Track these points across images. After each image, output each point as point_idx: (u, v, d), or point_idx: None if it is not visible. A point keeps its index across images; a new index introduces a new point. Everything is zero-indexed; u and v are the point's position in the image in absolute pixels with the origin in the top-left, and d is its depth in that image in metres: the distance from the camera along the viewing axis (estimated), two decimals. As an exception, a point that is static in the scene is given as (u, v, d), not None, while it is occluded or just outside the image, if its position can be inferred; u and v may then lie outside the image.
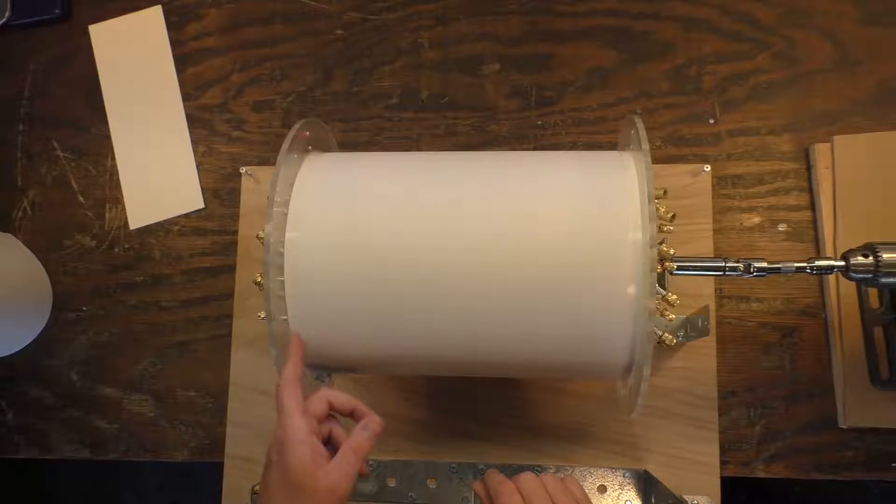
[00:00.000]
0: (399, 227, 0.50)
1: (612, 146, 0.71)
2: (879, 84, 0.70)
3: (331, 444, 0.50)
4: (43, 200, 0.79)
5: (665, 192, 0.55)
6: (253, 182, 0.74)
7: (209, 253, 0.76)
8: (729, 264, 0.51)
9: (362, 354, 0.53)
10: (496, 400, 0.68)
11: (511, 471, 0.66)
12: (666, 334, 0.54)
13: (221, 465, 0.71)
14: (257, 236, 0.52)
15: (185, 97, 0.79)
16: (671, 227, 0.52)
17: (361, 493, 0.67)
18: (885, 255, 0.49)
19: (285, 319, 0.51)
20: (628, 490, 0.65)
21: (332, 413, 0.51)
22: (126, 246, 0.77)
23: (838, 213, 0.67)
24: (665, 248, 0.51)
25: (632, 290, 0.47)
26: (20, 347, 0.76)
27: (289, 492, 0.46)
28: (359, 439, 0.49)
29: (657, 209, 0.49)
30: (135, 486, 1.34)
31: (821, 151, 0.69)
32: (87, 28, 0.82)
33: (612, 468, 0.65)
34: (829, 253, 0.67)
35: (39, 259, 0.77)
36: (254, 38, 0.79)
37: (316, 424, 0.48)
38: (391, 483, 0.67)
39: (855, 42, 0.71)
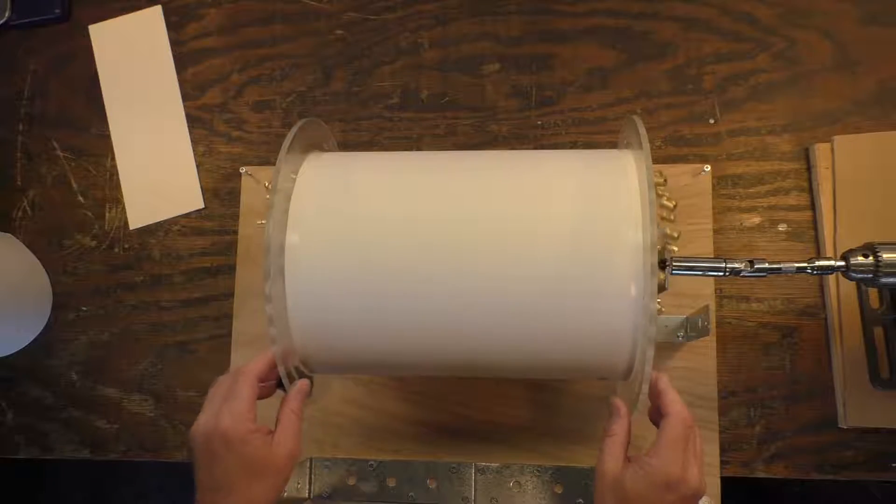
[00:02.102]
0: (399, 228, 0.50)
1: (612, 146, 0.71)
2: (879, 84, 0.70)
3: None
4: (43, 200, 0.79)
5: (665, 181, 0.55)
6: (253, 182, 0.74)
7: (209, 253, 0.76)
8: (729, 264, 0.51)
9: (363, 354, 0.53)
10: (496, 400, 0.68)
11: (511, 471, 0.66)
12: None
13: (221, 465, 0.70)
14: (259, 223, 0.52)
15: (185, 97, 0.79)
16: (673, 218, 0.52)
17: (361, 493, 0.67)
18: (885, 255, 0.49)
19: (285, 320, 0.51)
20: (628, 490, 0.65)
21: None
22: (126, 246, 0.77)
23: (838, 213, 0.67)
24: (668, 237, 0.51)
25: (633, 290, 0.47)
26: (20, 347, 0.76)
27: (250, 476, 0.49)
28: (294, 404, 0.52)
29: (658, 198, 0.49)
30: (135, 486, 1.34)
31: (821, 151, 0.69)
32: (87, 28, 0.82)
33: (612, 468, 0.65)
34: (829, 253, 0.67)
35: (39, 259, 0.77)
36: (254, 38, 0.79)
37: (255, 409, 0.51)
38: (391, 483, 0.67)
39: (855, 42, 0.71)
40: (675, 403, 0.50)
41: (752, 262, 0.50)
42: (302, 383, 0.53)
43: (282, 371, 0.51)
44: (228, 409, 0.49)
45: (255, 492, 0.49)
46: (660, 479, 0.47)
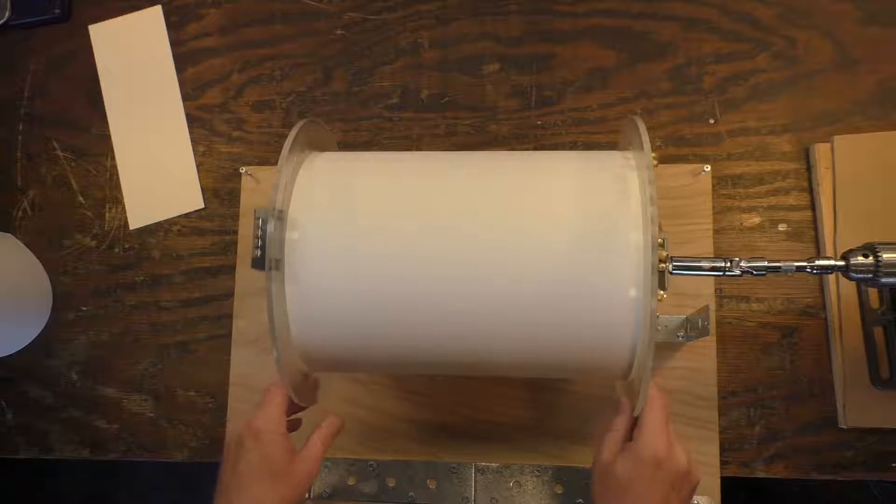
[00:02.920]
0: (399, 227, 0.50)
1: (612, 146, 0.71)
2: (879, 84, 0.70)
3: None
4: (43, 200, 0.79)
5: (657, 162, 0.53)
6: (253, 182, 0.74)
7: (209, 253, 0.76)
8: (729, 264, 0.50)
9: (363, 353, 0.53)
10: (496, 400, 0.68)
11: (511, 471, 0.66)
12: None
13: (221, 465, 0.70)
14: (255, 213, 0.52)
15: (185, 97, 0.79)
16: (656, 161, 0.50)
17: (361, 493, 0.67)
18: (885, 255, 0.49)
19: (286, 319, 0.51)
20: (628, 490, 0.64)
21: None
22: (126, 246, 0.77)
23: (838, 213, 0.67)
24: (663, 254, 0.50)
25: (632, 292, 0.47)
26: (20, 347, 0.76)
27: (269, 478, 0.50)
28: (325, 433, 0.55)
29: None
30: (135, 486, 1.34)
31: (821, 151, 0.69)
32: (87, 28, 0.82)
33: (612, 468, 0.65)
34: (829, 253, 0.67)
35: (39, 259, 0.77)
36: (254, 38, 0.79)
37: (285, 421, 0.54)
38: (391, 483, 0.67)
39: (855, 42, 0.71)
40: (649, 389, 0.51)
41: (751, 262, 0.50)
42: (337, 419, 0.56)
43: (276, 355, 0.50)
44: (262, 412, 0.52)
45: (268, 495, 0.50)
46: (648, 457, 0.48)
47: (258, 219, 0.50)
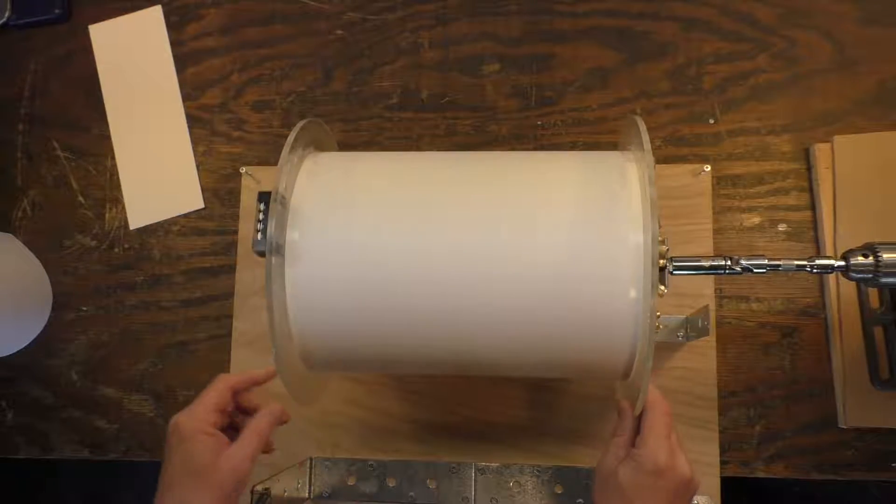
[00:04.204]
0: (399, 227, 0.50)
1: (613, 146, 0.71)
2: (879, 84, 0.71)
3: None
4: (43, 200, 0.79)
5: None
6: (253, 182, 0.74)
7: (209, 253, 0.76)
8: (729, 264, 0.50)
9: (363, 354, 0.53)
10: (496, 400, 0.68)
11: (511, 471, 0.66)
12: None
13: (221, 465, 0.70)
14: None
15: (185, 97, 0.79)
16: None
17: (361, 493, 0.67)
18: (885, 255, 0.49)
19: (285, 317, 0.51)
20: (628, 490, 0.64)
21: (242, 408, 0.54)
22: (126, 246, 0.77)
23: (838, 213, 0.67)
24: (664, 251, 0.51)
25: (633, 291, 0.47)
26: (20, 347, 0.76)
27: (190, 479, 0.48)
28: (261, 423, 0.51)
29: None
30: (135, 486, 1.34)
31: (821, 151, 0.69)
32: (87, 28, 0.82)
33: (612, 468, 0.65)
34: (829, 253, 0.67)
35: (39, 259, 0.77)
36: (254, 38, 0.79)
37: (219, 417, 0.51)
38: (391, 483, 0.67)
39: (855, 42, 0.71)
40: (651, 394, 0.51)
41: (751, 261, 0.50)
42: (277, 407, 0.52)
43: (274, 355, 0.50)
44: (189, 408, 0.51)
45: (190, 497, 0.48)
46: (649, 467, 0.48)
47: (260, 203, 0.50)
